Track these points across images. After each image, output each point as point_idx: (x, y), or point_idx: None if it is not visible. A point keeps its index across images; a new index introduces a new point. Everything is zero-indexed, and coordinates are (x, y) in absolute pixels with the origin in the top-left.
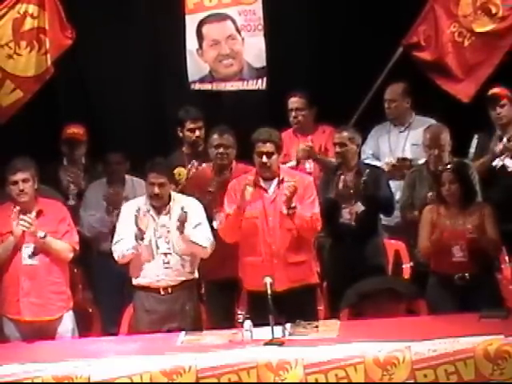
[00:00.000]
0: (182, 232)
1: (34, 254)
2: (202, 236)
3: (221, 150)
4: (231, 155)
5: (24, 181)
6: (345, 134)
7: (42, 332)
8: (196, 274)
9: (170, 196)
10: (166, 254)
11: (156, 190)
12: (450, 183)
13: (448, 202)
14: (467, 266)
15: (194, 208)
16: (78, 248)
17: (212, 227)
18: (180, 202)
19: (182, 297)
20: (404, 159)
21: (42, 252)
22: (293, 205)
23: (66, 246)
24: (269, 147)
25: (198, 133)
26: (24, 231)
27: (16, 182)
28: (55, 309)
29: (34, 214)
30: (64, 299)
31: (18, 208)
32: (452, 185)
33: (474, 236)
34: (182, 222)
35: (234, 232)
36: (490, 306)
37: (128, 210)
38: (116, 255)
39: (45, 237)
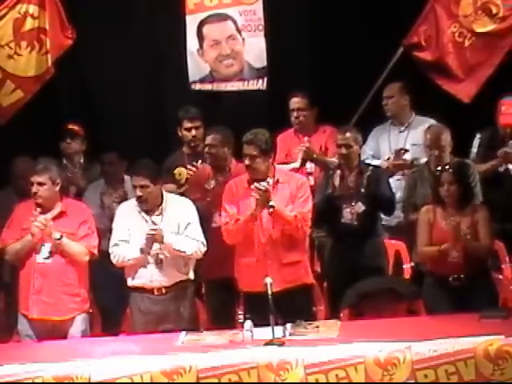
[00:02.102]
0: (161, 242)
1: (49, 254)
2: (188, 240)
3: (206, 149)
4: (220, 154)
5: (39, 184)
6: (349, 135)
7: (55, 332)
8: (191, 275)
9: (162, 196)
10: (158, 255)
11: (138, 192)
12: (448, 184)
13: (446, 202)
14: (462, 267)
15: (185, 208)
16: (95, 252)
17: (209, 227)
18: (172, 202)
19: (176, 297)
20: (403, 150)
21: (58, 253)
22: (271, 203)
23: (82, 249)
24: (251, 150)
25: (194, 132)
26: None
27: (32, 184)
28: (66, 310)
29: (49, 215)
30: (77, 301)
31: (38, 210)
32: (451, 185)
33: (468, 238)
34: (153, 237)
35: (241, 236)
36: (486, 307)
37: (123, 211)
38: (115, 259)
39: (60, 238)
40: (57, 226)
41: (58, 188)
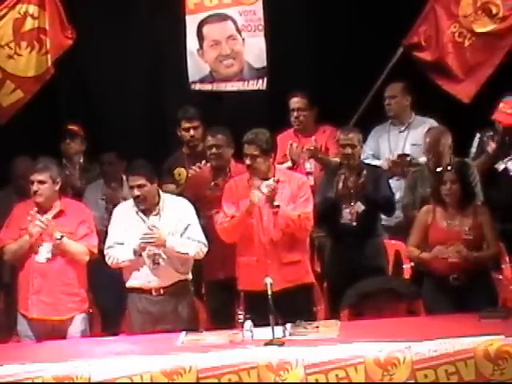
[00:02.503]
0: (164, 246)
1: (48, 254)
2: (190, 242)
3: (213, 150)
4: (225, 155)
5: (40, 182)
6: (353, 134)
7: (54, 332)
8: (190, 275)
9: (159, 196)
10: (155, 256)
11: (135, 192)
12: (451, 183)
13: (447, 202)
14: (462, 267)
15: (183, 209)
16: (95, 251)
17: (209, 228)
18: (170, 202)
19: (174, 298)
20: (404, 155)
21: (58, 253)
22: (276, 203)
23: (82, 248)
24: (252, 149)
25: (192, 132)
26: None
27: (33, 183)
28: (65, 310)
29: (50, 215)
30: (76, 301)
31: (35, 209)
32: (453, 185)
33: (469, 238)
34: (155, 243)
35: (237, 233)
36: (485, 307)
37: (119, 213)
38: (109, 260)
39: (61, 238)
40: (56, 226)
41: (57, 187)
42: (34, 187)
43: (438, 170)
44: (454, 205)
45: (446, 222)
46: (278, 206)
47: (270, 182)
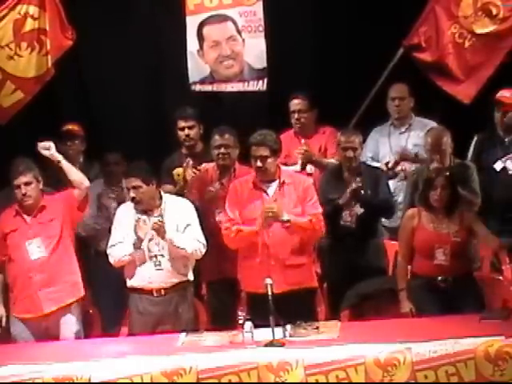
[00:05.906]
0: (162, 238)
1: (39, 249)
2: (189, 239)
3: (222, 150)
4: (233, 155)
5: (26, 184)
6: (354, 137)
7: (48, 334)
8: (190, 276)
9: (160, 198)
10: (157, 257)
11: (131, 193)
12: (441, 188)
13: (434, 206)
14: (448, 269)
15: (184, 209)
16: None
17: (211, 228)
18: (171, 203)
19: (175, 299)
20: (405, 154)
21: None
22: (285, 218)
23: (81, 175)
24: (262, 151)
25: (187, 131)
26: (20, 235)
27: (19, 186)
28: (65, 295)
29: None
30: (74, 284)
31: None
32: (443, 191)
33: (457, 240)
34: (157, 230)
35: (242, 244)
36: (472, 308)
37: (122, 213)
38: (112, 259)
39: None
40: (38, 220)
41: (41, 185)
42: (22, 190)
43: (434, 174)
44: (441, 210)
45: (432, 224)
46: (288, 221)
47: (273, 204)
